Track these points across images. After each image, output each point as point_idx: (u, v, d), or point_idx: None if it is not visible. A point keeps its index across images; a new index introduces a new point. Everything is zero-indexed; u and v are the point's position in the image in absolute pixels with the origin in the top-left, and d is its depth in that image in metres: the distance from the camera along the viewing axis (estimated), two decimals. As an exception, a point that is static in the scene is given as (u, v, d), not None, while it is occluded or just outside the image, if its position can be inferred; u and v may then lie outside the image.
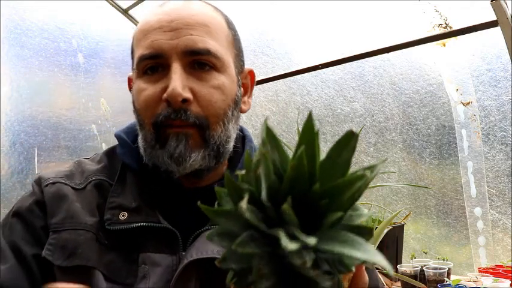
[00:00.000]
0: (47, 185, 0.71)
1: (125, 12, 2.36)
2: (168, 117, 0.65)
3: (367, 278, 0.42)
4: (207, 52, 0.66)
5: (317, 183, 0.31)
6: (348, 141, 0.31)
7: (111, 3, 2.32)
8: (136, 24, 2.41)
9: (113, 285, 0.64)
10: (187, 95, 0.64)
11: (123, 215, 0.67)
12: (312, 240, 0.29)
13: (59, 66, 2.19)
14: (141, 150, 0.70)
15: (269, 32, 2.34)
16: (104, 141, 2.29)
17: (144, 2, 2.25)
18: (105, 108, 2.34)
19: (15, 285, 0.64)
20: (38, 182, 0.73)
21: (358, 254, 0.29)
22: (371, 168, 0.32)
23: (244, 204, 0.29)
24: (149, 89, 0.67)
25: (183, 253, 0.65)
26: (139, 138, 0.71)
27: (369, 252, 0.29)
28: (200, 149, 0.66)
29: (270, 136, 0.32)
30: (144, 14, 0.73)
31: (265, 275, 0.32)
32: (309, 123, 0.32)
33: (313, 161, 0.31)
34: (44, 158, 2.09)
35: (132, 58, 0.73)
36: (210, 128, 0.67)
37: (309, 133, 0.31)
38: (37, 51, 2.12)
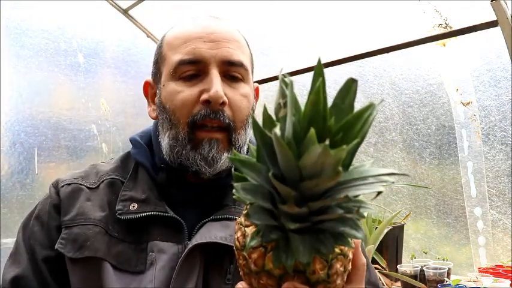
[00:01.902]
0: (63, 186, 0.78)
1: (125, 12, 2.36)
2: (207, 116, 0.71)
3: (364, 259, 0.47)
4: (241, 64, 0.75)
5: (331, 119, 0.34)
6: (349, 88, 0.36)
7: (111, 3, 2.32)
8: (136, 24, 2.43)
9: (122, 274, 0.69)
10: (226, 98, 0.72)
11: (133, 206, 0.73)
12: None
13: (59, 66, 2.19)
14: (166, 149, 0.75)
15: (269, 32, 2.34)
16: (104, 141, 2.29)
17: (144, 2, 2.25)
18: (105, 108, 2.34)
19: (26, 286, 0.72)
20: (55, 185, 0.80)
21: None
22: (373, 104, 0.36)
23: (277, 130, 0.32)
24: (186, 91, 0.73)
25: (188, 242, 0.70)
26: (166, 137, 0.76)
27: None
28: (228, 151, 0.74)
29: (290, 87, 0.36)
30: (175, 24, 0.81)
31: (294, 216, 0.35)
32: (319, 69, 0.35)
33: (325, 103, 0.34)
34: (44, 158, 2.09)
35: (159, 63, 0.79)
36: (236, 132, 0.75)
37: (319, 78, 0.35)
38: (37, 51, 2.12)
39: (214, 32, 0.74)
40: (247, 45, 0.82)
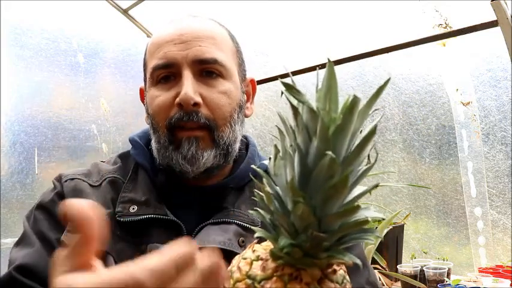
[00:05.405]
0: (66, 181, 0.78)
1: (125, 12, 2.36)
2: (181, 119, 0.72)
3: None
4: (214, 61, 0.74)
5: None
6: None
7: (111, 3, 2.32)
8: (136, 25, 2.43)
9: None
10: (198, 99, 0.72)
11: (133, 208, 0.73)
12: None
13: (59, 66, 2.19)
14: (155, 152, 0.77)
15: (269, 32, 2.34)
16: (104, 141, 2.29)
17: (144, 1, 2.26)
18: (105, 108, 2.34)
19: (40, 266, 0.69)
20: (59, 178, 0.79)
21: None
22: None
23: None
24: (163, 95, 0.75)
25: None
26: (153, 141, 0.78)
27: None
28: (211, 149, 0.74)
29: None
30: (156, 29, 0.81)
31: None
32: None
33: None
34: (44, 158, 2.09)
35: (145, 70, 0.81)
36: (219, 129, 0.74)
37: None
38: (37, 51, 2.12)
39: (186, 33, 0.74)
40: (232, 38, 0.81)
